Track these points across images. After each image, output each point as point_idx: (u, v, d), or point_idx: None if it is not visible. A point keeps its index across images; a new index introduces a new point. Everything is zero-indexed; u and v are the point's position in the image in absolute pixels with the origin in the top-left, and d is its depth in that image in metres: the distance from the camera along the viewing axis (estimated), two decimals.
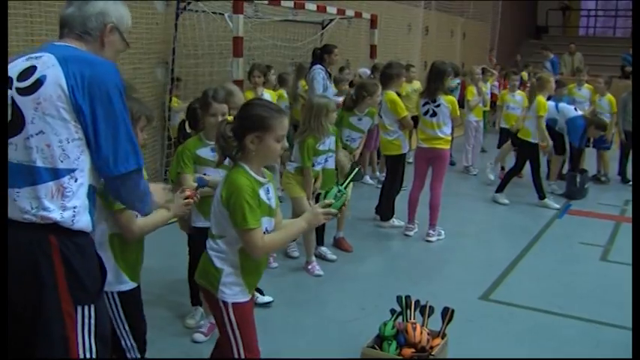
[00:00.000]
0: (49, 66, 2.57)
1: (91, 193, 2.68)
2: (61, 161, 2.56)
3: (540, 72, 15.39)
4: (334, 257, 6.80)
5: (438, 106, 7.33)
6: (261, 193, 3.26)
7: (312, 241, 6.45)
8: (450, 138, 7.52)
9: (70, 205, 2.58)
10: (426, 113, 7.43)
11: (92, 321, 2.66)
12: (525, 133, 9.12)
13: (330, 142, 6.36)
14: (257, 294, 5.52)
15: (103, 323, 2.77)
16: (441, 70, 7.37)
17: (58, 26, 2.86)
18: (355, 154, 7.25)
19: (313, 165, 6.25)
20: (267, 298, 5.54)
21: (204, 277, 3.41)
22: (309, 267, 6.41)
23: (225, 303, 3.31)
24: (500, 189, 9.47)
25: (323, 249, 6.82)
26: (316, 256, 6.61)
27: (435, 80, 7.35)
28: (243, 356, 3.34)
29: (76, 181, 2.59)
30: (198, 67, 9.40)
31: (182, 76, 9.25)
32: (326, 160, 6.39)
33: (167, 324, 5.04)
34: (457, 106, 7.45)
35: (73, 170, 2.58)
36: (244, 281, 3.34)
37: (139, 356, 3.59)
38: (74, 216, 2.59)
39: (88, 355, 2.66)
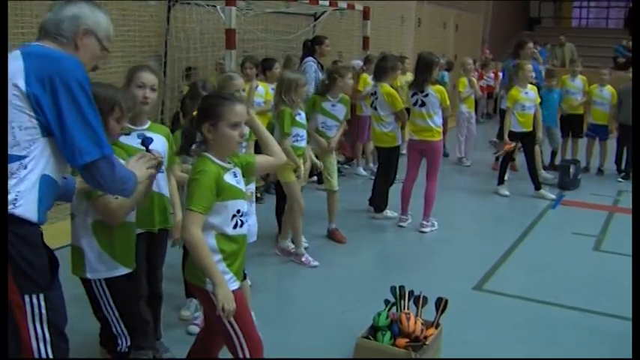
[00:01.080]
0: (13, 59, 2.68)
1: (45, 183, 2.73)
2: (12, 147, 2.64)
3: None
4: (306, 244, 6.75)
5: (427, 96, 7.34)
6: (228, 177, 3.30)
7: (300, 233, 6.44)
8: (440, 129, 7.51)
9: (14, 189, 2.63)
10: (415, 104, 7.45)
11: (43, 310, 2.70)
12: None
13: (303, 117, 6.30)
14: None
15: (58, 313, 2.80)
16: (428, 60, 7.38)
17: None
18: (331, 142, 7.13)
19: (296, 140, 6.17)
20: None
21: (190, 273, 3.42)
22: (303, 259, 6.40)
23: (215, 294, 3.26)
24: (500, 181, 9.45)
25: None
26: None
27: (423, 71, 7.37)
28: (245, 347, 3.33)
29: (25, 168, 2.66)
30: (190, 60, 9.36)
31: (175, 70, 9.23)
32: (302, 137, 6.30)
33: (162, 315, 5.03)
34: (446, 96, 7.44)
35: (23, 157, 2.65)
36: (229, 269, 3.33)
37: (129, 343, 3.58)
38: (16, 200, 2.63)
39: (42, 345, 2.73)
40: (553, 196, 9.22)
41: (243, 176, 3.48)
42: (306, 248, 6.64)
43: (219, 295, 3.13)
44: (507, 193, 9.36)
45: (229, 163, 3.37)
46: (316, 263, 6.36)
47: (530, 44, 10.33)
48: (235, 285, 3.35)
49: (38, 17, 6.92)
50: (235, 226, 3.33)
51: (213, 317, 3.33)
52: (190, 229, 3.14)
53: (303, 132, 6.36)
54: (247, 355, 3.34)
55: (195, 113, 3.41)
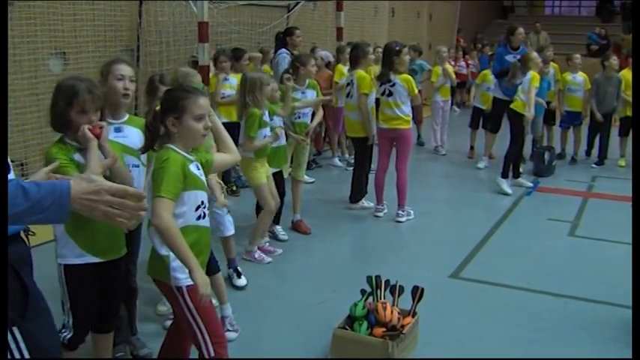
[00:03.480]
0: None
1: None
2: None
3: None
4: (286, 237, 6.80)
5: (393, 85, 7.35)
6: (192, 167, 3.29)
7: (260, 232, 6.35)
8: (409, 117, 7.50)
9: None
10: (383, 93, 7.46)
11: (21, 344, 2.42)
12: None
13: (267, 116, 6.18)
14: (234, 274, 5.56)
15: (38, 343, 2.48)
16: (390, 49, 7.41)
17: None
18: (309, 130, 7.15)
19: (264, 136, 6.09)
20: (242, 282, 5.56)
21: (153, 270, 3.40)
22: (256, 255, 6.24)
23: (179, 289, 3.27)
24: (505, 174, 9.14)
25: (278, 228, 6.82)
26: (269, 232, 6.68)
27: (386, 60, 7.41)
28: (209, 342, 3.30)
29: None
30: (163, 54, 9.31)
31: (148, 64, 9.17)
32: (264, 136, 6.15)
33: (138, 311, 5.00)
34: (414, 85, 7.43)
35: None
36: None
37: (69, 335, 3.55)
38: None
39: None
40: (530, 184, 9.26)
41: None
42: (285, 241, 6.71)
43: (197, 280, 3.11)
44: (510, 191, 8.91)
45: (192, 155, 3.37)
46: (270, 259, 6.27)
47: (521, 29, 10.30)
48: None
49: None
50: (199, 218, 3.33)
51: (179, 312, 3.34)
52: (162, 215, 3.10)
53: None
54: (211, 351, 3.31)
55: (157, 107, 3.39)
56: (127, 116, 4.06)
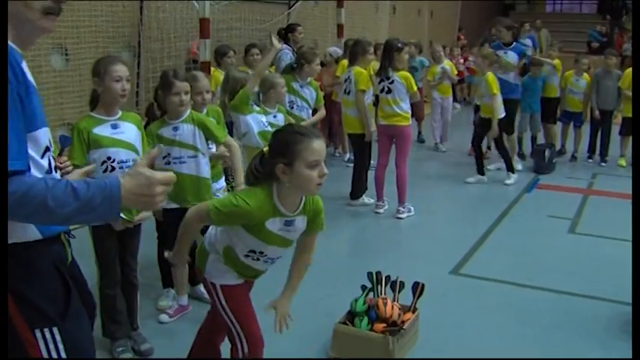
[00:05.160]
0: None
1: None
2: None
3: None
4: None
5: (392, 82, 7.36)
6: (271, 224, 3.09)
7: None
8: (408, 114, 7.51)
9: None
10: (382, 91, 7.47)
11: (59, 345, 2.29)
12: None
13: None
14: None
15: (77, 347, 2.37)
16: (390, 45, 7.42)
17: None
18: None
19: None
20: None
21: (197, 257, 3.41)
22: None
23: (213, 284, 3.28)
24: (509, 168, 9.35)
25: None
26: None
27: (386, 57, 7.40)
28: (244, 340, 3.30)
29: None
30: (164, 50, 9.30)
31: (149, 60, 9.16)
32: (266, 125, 6.10)
33: (139, 306, 5.01)
34: (412, 82, 7.45)
35: None
36: (234, 269, 3.29)
37: None
38: None
39: None
40: (511, 181, 9.24)
41: None
42: None
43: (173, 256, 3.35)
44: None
45: (295, 211, 3.12)
46: None
47: (504, 23, 10.26)
48: (235, 281, 3.32)
49: None
50: (247, 257, 3.24)
51: (213, 305, 3.36)
52: (196, 214, 3.12)
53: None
54: (246, 350, 3.31)
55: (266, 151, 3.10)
56: (119, 112, 4.12)
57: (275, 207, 3.02)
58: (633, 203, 4.52)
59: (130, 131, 4.10)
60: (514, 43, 9.84)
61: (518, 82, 9.79)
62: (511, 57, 9.63)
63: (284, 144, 2.95)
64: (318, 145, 2.93)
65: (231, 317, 3.28)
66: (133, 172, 2.09)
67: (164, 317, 4.89)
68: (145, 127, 5.15)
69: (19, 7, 2.17)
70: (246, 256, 3.21)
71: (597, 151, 10.81)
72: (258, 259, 3.24)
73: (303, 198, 3.12)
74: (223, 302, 3.27)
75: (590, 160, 10.76)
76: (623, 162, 10.52)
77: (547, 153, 9.99)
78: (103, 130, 3.99)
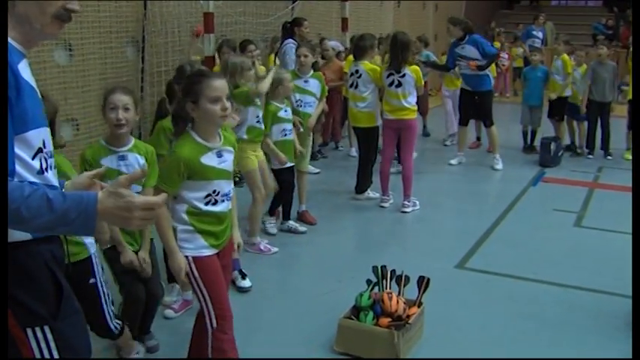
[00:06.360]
0: None
1: None
2: None
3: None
4: (304, 229, 6.83)
5: (403, 76, 7.34)
6: (207, 157, 3.39)
7: (256, 221, 6.29)
8: (415, 107, 7.51)
9: None
10: (391, 84, 7.43)
11: (51, 344, 2.31)
12: None
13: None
14: (239, 276, 5.49)
15: (70, 346, 2.39)
16: (405, 41, 7.39)
17: None
18: (311, 121, 7.17)
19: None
20: (246, 283, 5.44)
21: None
22: (262, 247, 6.25)
23: (186, 257, 3.43)
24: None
25: (291, 223, 6.84)
26: (286, 230, 6.75)
27: (401, 51, 7.34)
28: (213, 314, 3.45)
29: None
30: (168, 45, 9.29)
31: (153, 55, 9.15)
32: (258, 121, 6.14)
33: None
34: (421, 75, 7.47)
35: None
36: (203, 238, 3.46)
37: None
38: None
39: None
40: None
41: None
42: (304, 233, 6.78)
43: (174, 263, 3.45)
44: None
45: (216, 141, 3.45)
46: (276, 249, 6.28)
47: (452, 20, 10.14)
48: (207, 252, 3.48)
49: None
50: (208, 204, 3.44)
51: (188, 281, 3.50)
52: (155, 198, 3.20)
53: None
54: (214, 322, 3.46)
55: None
56: (132, 142, 4.07)
57: (200, 144, 3.39)
58: (633, 199, 4.51)
59: (135, 165, 4.00)
60: (467, 36, 9.61)
61: (489, 74, 9.82)
62: (468, 50, 9.53)
63: (189, 85, 3.39)
64: (219, 83, 3.37)
65: (202, 288, 3.44)
66: (113, 191, 2.06)
67: (169, 312, 4.91)
68: (155, 122, 5.14)
69: (31, 7, 2.18)
70: (206, 204, 3.44)
71: (599, 146, 10.70)
72: (216, 202, 3.47)
73: (220, 132, 3.51)
74: (196, 274, 3.44)
75: (591, 156, 10.65)
76: (628, 155, 10.44)
77: (553, 146, 9.94)
78: (107, 162, 3.94)
